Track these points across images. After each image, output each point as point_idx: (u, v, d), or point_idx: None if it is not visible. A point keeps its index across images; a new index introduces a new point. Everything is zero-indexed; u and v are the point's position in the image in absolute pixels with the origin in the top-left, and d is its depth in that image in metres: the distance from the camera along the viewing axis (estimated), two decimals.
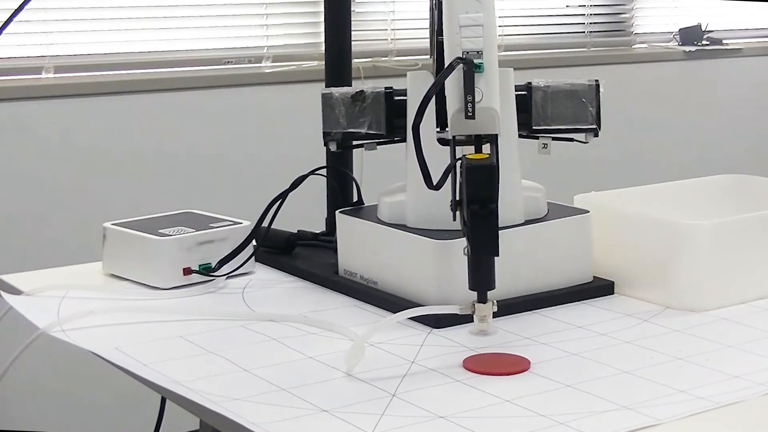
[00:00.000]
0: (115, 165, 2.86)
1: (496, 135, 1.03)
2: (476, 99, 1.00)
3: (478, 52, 1.01)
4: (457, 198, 1.02)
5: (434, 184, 1.02)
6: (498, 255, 0.99)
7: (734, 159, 3.72)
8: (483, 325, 1.01)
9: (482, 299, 1.01)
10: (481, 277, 1.00)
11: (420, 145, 1.00)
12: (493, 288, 1.01)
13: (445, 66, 1.02)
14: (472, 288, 1.01)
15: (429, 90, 1.00)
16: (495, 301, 1.01)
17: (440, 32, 1.07)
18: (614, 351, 1.06)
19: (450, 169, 1.02)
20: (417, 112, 1.00)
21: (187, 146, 2.96)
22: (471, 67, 1.00)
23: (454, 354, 1.03)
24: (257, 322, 1.16)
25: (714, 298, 1.17)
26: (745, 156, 3.81)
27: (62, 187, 2.80)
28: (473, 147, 1.03)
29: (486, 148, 1.03)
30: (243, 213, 1.43)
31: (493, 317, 1.05)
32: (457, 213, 1.02)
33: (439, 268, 1.14)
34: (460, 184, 1.01)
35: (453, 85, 1.01)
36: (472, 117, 1.00)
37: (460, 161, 1.01)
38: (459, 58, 1.01)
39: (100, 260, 1.38)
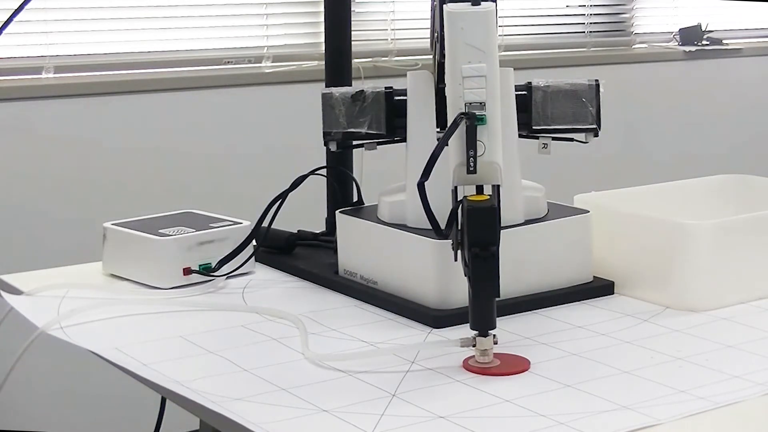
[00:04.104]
0: (115, 165, 2.86)
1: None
2: (478, 153, 1.00)
3: (480, 104, 1.00)
4: (458, 239, 1.02)
5: (443, 233, 1.01)
6: (499, 296, 0.99)
7: (734, 159, 3.73)
8: (485, 359, 1.01)
9: (483, 333, 1.01)
10: (482, 318, 1.00)
11: (427, 199, 0.99)
12: (494, 327, 1.00)
13: (449, 123, 1.01)
14: (473, 329, 1.00)
15: (434, 150, 0.99)
16: (495, 335, 1.01)
17: (441, 29, 1.07)
18: (614, 351, 1.06)
19: (453, 217, 1.02)
20: (424, 171, 0.98)
21: (187, 146, 2.96)
22: (473, 122, 1.00)
23: (454, 354, 1.03)
24: (257, 323, 1.16)
25: (714, 298, 1.17)
26: (745, 156, 3.81)
27: (62, 187, 2.80)
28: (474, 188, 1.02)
29: (488, 188, 1.02)
30: (243, 213, 1.43)
31: None
32: (458, 253, 1.02)
33: (439, 268, 1.14)
34: (461, 225, 1.00)
35: (455, 139, 1.00)
36: (474, 172, 1.00)
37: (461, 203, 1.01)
38: (462, 113, 1.00)
39: (100, 260, 1.38)
